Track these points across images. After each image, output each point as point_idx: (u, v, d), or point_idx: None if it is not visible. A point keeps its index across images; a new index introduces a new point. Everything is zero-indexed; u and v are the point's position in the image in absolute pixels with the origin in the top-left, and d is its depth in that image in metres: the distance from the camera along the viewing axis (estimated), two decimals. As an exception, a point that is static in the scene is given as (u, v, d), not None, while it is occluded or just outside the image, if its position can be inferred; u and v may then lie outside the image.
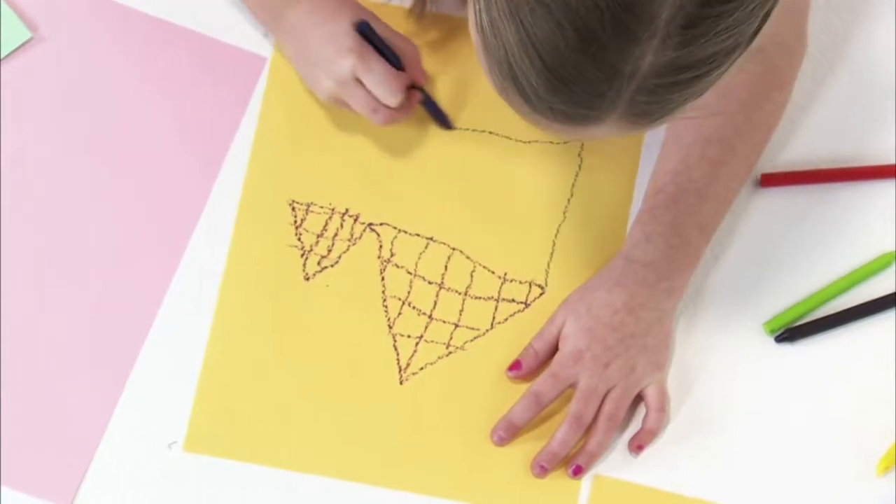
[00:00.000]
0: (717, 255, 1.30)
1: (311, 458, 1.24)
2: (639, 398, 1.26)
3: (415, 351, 1.27)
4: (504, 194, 1.31)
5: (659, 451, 1.26)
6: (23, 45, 1.33)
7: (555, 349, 1.26)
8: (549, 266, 1.30)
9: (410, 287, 1.29)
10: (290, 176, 1.31)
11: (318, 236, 1.30)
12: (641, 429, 1.25)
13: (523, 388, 1.25)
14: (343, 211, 1.31)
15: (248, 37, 1.34)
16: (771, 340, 1.29)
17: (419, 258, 1.30)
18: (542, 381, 1.25)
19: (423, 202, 1.31)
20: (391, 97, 1.25)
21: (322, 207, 1.31)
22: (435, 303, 1.29)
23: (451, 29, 1.34)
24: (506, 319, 1.29)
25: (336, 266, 1.29)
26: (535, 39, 0.89)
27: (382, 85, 1.24)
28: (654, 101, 0.92)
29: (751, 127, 1.28)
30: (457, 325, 1.28)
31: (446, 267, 1.30)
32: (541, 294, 1.30)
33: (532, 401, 1.24)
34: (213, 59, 1.34)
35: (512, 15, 0.89)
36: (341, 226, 1.30)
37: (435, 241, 1.30)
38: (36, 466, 1.23)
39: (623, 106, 0.92)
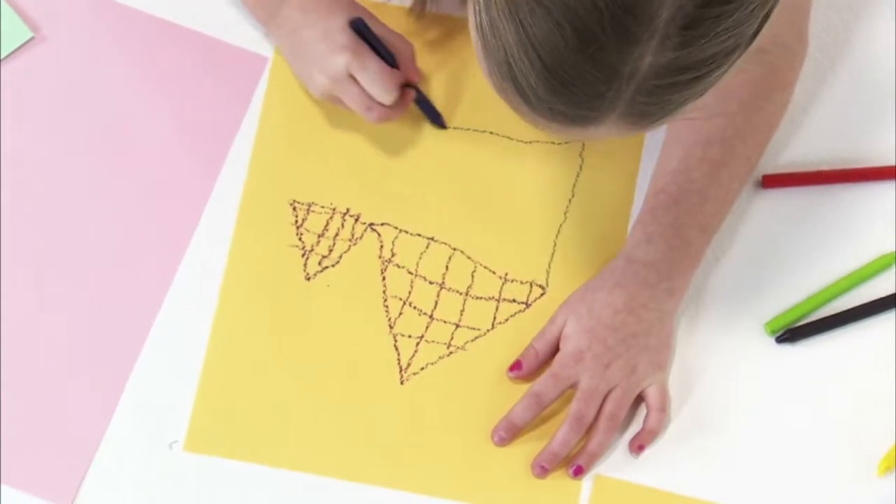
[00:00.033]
0: (718, 256, 1.30)
1: (312, 458, 1.24)
2: (640, 398, 1.26)
3: (415, 351, 1.27)
4: (505, 194, 1.31)
5: (660, 451, 1.26)
6: (24, 44, 1.33)
7: (556, 349, 1.26)
8: (549, 266, 1.30)
9: (411, 287, 1.29)
10: (291, 176, 1.31)
11: (319, 236, 1.30)
12: (642, 429, 1.25)
13: (524, 388, 1.25)
14: (344, 211, 1.31)
15: (249, 37, 1.34)
16: (772, 341, 1.29)
17: (420, 258, 1.30)
18: (543, 382, 1.24)
19: (424, 202, 1.31)
20: (385, 95, 1.25)
21: (323, 207, 1.31)
22: (436, 303, 1.29)
23: (450, 28, 1.34)
24: (507, 320, 1.29)
25: (337, 266, 1.29)
26: (534, 40, 0.89)
27: (377, 82, 1.24)
28: (653, 102, 0.92)
29: (752, 127, 1.28)
30: (457, 326, 1.28)
31: (447, 267, 1.30)
32: (542, 294, 1.30)
33: (533, 401, 1.24)
34: (214, 59, 1.34)
35: (511, 15, 0.89)
36: (342, 226, 1.30)
37: (436, 242, 1.30)
38: (36, 466, 1.23)
39: (622, 107, 0.92)
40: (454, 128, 1.33)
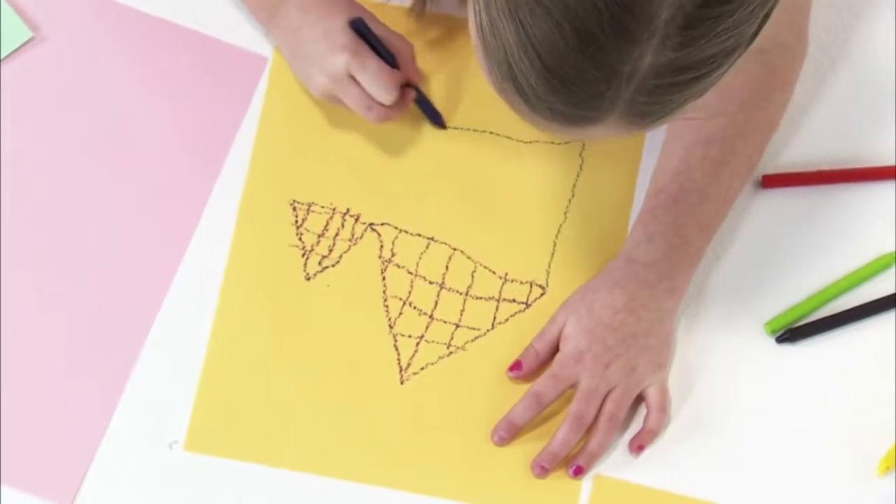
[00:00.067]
0: (718, 256, 1.30)
1: (312, 458, 1.24)
2: (640, 398, 1.26)
3: (415, 351, 1.27)
4: (505, 194, 1.31)
5: (660, 451, 1.26)
6: (24, 44, 1.33)
7: (556, 349, 1.26)
8: (549, 266, 1.30)
9: (411, 287, 1.29)
10: (292, 176, 1.31)
11: (319, 236, 1.30)
12: (642, 429, 1.25)
13: (524, 388, 1.25)
14: (344, 211, 1.31)
15: (250, 36, 1.34)
16: (772, 341, 1.29)
17: (420, 258, 1.30)
18: (543, 382, 1.24)
19: (425, 202, 1.31)
20: (385, 95, 1.25)
21: (323, 207, 1.31)
22: (436, 303, 1.29)
23: (450, 28, 1.34)
24: (507, 320, 1.29)
25: (337, 266, 1.29)
26: (534, 40, 0.89)
27: (377, 82, 1.24)
28: (653, 102, 0.92)
29: (752, 127, 1.28)
30: (457, 326, 1.28)
31: (447, 267, 1.30)
32: (542, 294, 1.30)
33: (533, 401, 1.24)
34: (214, 59, 1.34)
35: (511, 15, 0.89)
36: (342, 226, 1.30)
37: (436, 242, 1.30)
38: (37, 466, 1.23)
39: (622, 107, 0.92)
40: (454, 128, 1.33)
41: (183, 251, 1.29)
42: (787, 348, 1.29)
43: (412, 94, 1.30)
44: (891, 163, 1.33)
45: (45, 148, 1.31)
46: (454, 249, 1.30)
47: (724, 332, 1.29)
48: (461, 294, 1.29)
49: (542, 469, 1.23)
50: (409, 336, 1.28)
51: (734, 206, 1.29)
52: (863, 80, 1.35)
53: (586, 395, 1.24)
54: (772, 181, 1.32)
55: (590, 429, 1.24)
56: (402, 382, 1.27)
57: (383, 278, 1.29)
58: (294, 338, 1.27)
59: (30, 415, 1.24)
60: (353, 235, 1.30)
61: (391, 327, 1.28)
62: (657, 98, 0.92)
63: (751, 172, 1.29)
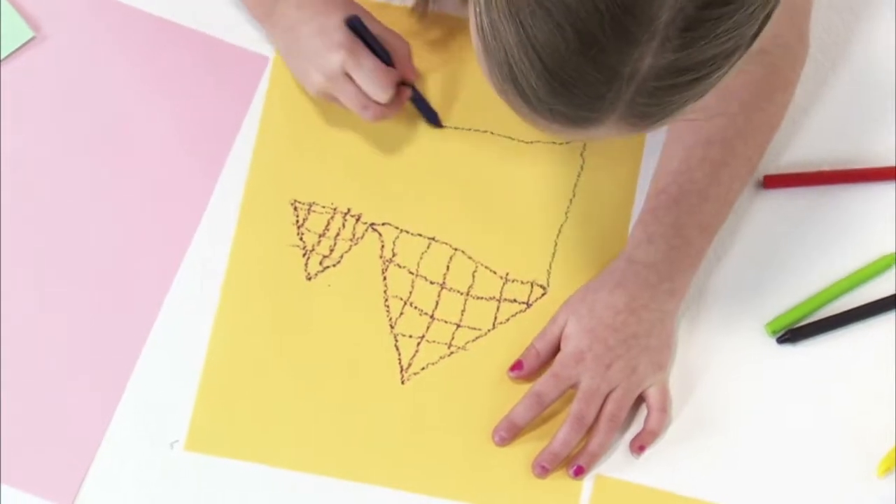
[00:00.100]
0: (719, 256, 1.30)
1: (313, 458, 1.24)
2: (640, 399, 1.26)
3: (416, 351, 1.27)
4: (506, 194, 1.31)
5: (660, 451, 1.26)
6: (25, 44, 1.33)
7: (556, 349, 1.26)
8: (550, 266, 1.30)
9: (412, 287, 1.29)
10: (293, 175, 1.31)
11: (320, 236, 1.30)
12: (643, 429, 1.25)
13: (525, 388, 1.25)
14: (345, 211, 1.31)
15: (251, 36, 1.34)
16: (773, 341, 1.29)
17: (421, 258, 1.30)
18: (544, 382, 1.24)
19: (425, 202, 1.31)
20: (381, 93, 1.25)
21: (324, 207, 1.31)
22: (437, 303, 1.29)
23: (452, 28, 1.34)
24: (507, 320, 1.29)
25: (338, 266, 1.29)
26: (535, 41, 0.89)
27: (372, 81, 1.24)
28: (653, 104, 0.92)
29: (752, 128, 1.28)
30: (458, 326, 1.28)
31: (448, 267, 1.30)
32: (542, 294, 1.30)
33: (534, 401, 1.24)
34: (215, 59, 1.34)
35: (512, 17, 0.89)
36: (343, 226, 1.30)
37: (437, 242, 1.30)
38: (37, 465, 1.23)
39: (622, 108, 0.92)
40: (455, 128, 1.33)
41: (184, 251, 1.29)
42: (788, 349, 1.29)
43: (408, 92, 1.30)
44: (891, 163, 1.33)
45: (46, 147, 1.31)
46: (455, 249, 1.30)
47: (724, 332, 1.29)
48: (462, 294, 1.29)
49: (543, 469, 1.24)
50: (410, 336, 1.28)
51: (735, 207, 1.29)
52: (863, 80, 1.35)
53: (587, 395, 1.24)
54: (773, 181, 1.32)
55: (590, 429, 1.24)
56: (402, 382, 1.27)
57: (384, 278, 1.29)
58: (295, 338, 1.27)
59: (30, 414, 1.24)
60: (354, 235, 1.30)
61: (392, 327, 1.28)
62: (657, 99, 0.92)
63: (751, 173, 1.29)
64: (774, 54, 1.27)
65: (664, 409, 1.25)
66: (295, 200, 1.31)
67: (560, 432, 1.24)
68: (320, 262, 1.29)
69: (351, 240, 1.30)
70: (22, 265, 1.27)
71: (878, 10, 1.37)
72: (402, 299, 1.29)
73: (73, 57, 1.33)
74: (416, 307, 1.28)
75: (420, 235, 1.30)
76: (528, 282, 1.30)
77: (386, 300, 1.29)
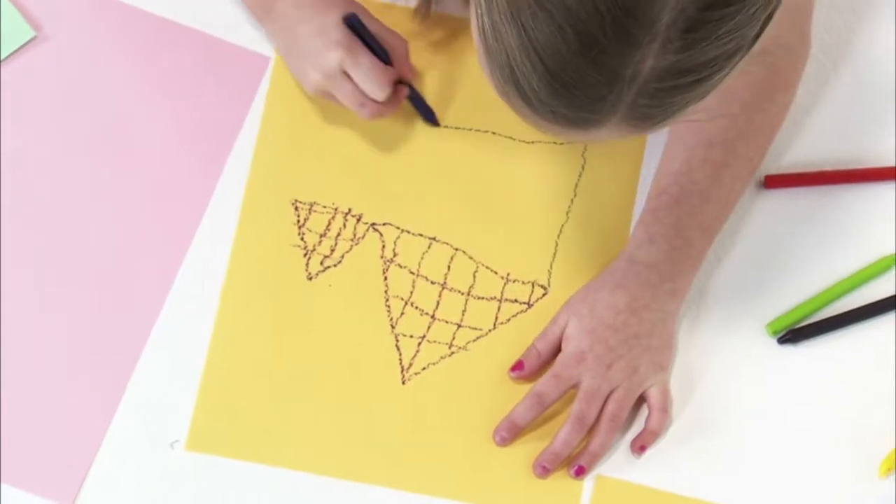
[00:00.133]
0: (720, 257, 1.30)
1: (314, 458, 1.24)
2: (641, 399, 1.26)
3: (417, 351, 1.27)
4: (507, 194, 1.31)
5: (661, 451, 1.26)
6: (26, 43, 1.33)
7: (557, 350, 1.26)
8: (551, 266, 1.30)
9: (413, 287, 1.29)
10: (293, 175, 1.31)
11: (320, 236, 1.30)
12: (644, 429, 1.25)
13: (526, 388, 1.25)
14: (346, 211, 1.31)
15: (252, 36, 1.34)
16: (773, 342, 1.29)
17: (422, 258, 1.30)
18: (545, 382, 1.25)
19: (426, 202, 1.31)
20: (378, 91, 1.25)
21: (325, 207, 1.31)
22: (437, 303, 1.29)
23: (455, 29, 1.34)
24: (508, 320, 1.29)
25: (339, 266, 1.29)
26: (536, 43, 0.89)
27: (369, 79, 1.24)
28: (655, 105, 0.92)
29: (754, 129, 1.28)
30: (459, 326, 1.28)
31: (449, 267, 1.30)
32: (543, 294, 1.29)
33: (535, 401, 1.24)
34: (216, 59, 1.34)
35: (513, 19, 0.89)
36: (344, 225, 1.30)
37: (438, 242, 1.30)
38: (38, 465, 1.23)
39: (624, 110, 0.92)
40: (456, 128, 1.33)
41: (185, 251, 1.29)
42: (789, 349, 1.29)
43: (405, 91, 1.30)
44: (892, 163, 1.33)
45: (47, 147, 1.31)
46: (456, 249, 1.30)
47: (725, 332, 1.29)
48: (463, 294, 1.29)
49: (544, 469, 1.24)
50: (411, 336, 1.28)
51: (736, 207, 1.29)
52: (865, 81, 1.35)
53: (588, 395, 1.24)
54: (774, 182, 1.32)
55: (591, 429, 1.24)
56: (403, 382, 1.27)
57: (385, 278, 1.29)
58: (296, 337, 1.27)
59: (31, 414, 1.24)
60: (354, 235, 1.30)
61: (393, 327, 1.28)
62: (659, 101, 0.92)
63: (752, 174, 1.29)
64: (776, 55, 1.27)
65: (665, 409, 1.25)
66: (296, 200, 1.31)
67: (561, 432, 1.24)
68: (321, 262, 1.29)
69: (352, 240, 1.30)
70: (22, 265, 1.27)
71: (879, 10, 1.37)
72: (402, 299, 1.29)
73: (74, 56, 1.33)
74: (416, 307, 1.28)
75: (421, 235, 1.30)
76: (529, 282, 1.30)
77: (387, 300, 1.29)
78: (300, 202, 1.30)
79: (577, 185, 1.32)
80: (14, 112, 1.31)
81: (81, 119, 1.31)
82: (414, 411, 1.26)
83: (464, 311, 1.29)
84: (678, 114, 0.94)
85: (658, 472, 1.25)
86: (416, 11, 1.31)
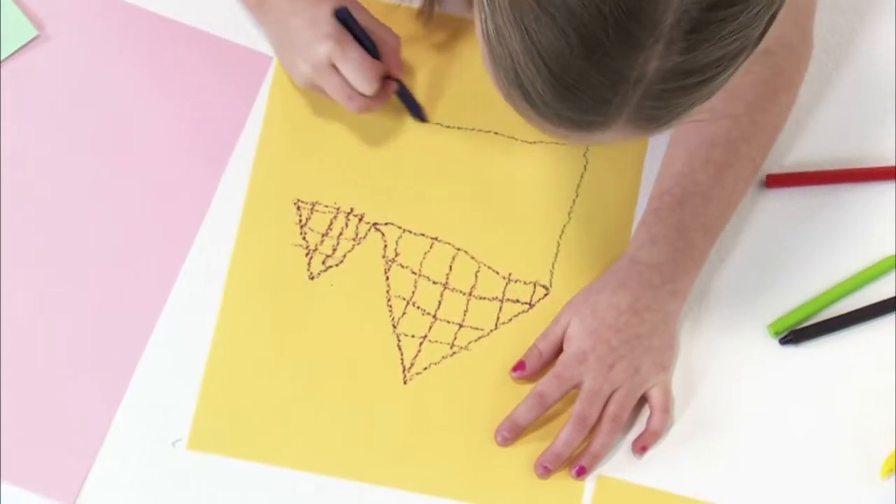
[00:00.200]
0: (722, 257, 1.30)
1: (315, 458, 1.24)
2: (643, 399, 1.26)
3: (419, 351, 1.27)
4: (509, 195, 1.31)
5: (663, 452, 1.26)
6: (28, 43, 1.33)
7: (559, 350, 1.26)
8: (553, 267, 1.30)
9: (415, 287, 1.29)
10: (296, 175, 1.31)
11: (322, 236, 1.30)
12: (645, 430, 1.25)
13: (527, 388, 1.25)
14: (348, 210, 1.31)
15: (254, 35, 1.34)
16: (775, 342, 1.29)
17: (424, 258, 1.30)
18: (547, 382, 1.25)
19: (428, 202, 1.31)
20: (366, 85, 1.24)
21: (327, 207, 1.31)
22: (439, 303, 1.29)
23: (458, 30, 1.34)
24: (510, 320, 1.29)
25: (341, 265, 1.29)
26: (540, 47, 0.89)
27: (357, 72, 1.24)
28: (660, 107, 0.92)
29: (756, 129, 1.28)
30: (461, 326, 1.28)
31: (451, 267, 1.30)
32: (545, 295, 1.29)
33: (536, 401, 1.24)
34: (218, 58, 1.34)
35: (517, 22, 0.89)
36: (346, 225, 1.30)
37: (440, 242, 1.30)
38: (40, 464, 1.23)
39: (629, 112, 0.92)
40: (458, 128, 1.33)
41: (186, 250, 1.29)
42: (791, 350, 1.29)
43: (393, 85, 1.29)
44: (894, 163, 1.33)
45: (49, 146, 1.30)
46: (458, 249, 1.30)
47: (727, 333, 1.29)
48: (465, 294, 1.29)
49: (545, 469, 1.24)
50: (413, 336, 1.28)
51: (738, 207, 1.29)
52: (867, 81, 1.35)
53: (590, 395, 1.24)
54: (776, 181, 1.32)
55: (593, 429, 1.24)
56: (405, 382, 1.27)
57: (387, 278, 1.29)
58: (297, 337, 1.27)
59: (33, 413, 1.24)
60: (356, 235, 1.30)
61: (394, 327, 1.28)
62: (664, 102, 0.92)
63: (755, 175, 1.29)
64: (779, 55, 1.27)
65: (666, 409, 1.25)
66: (298, 200, 1.31)
67: (562, 433, 1.24)
68: (323, 261, 1.29)
69: (354, 239, 1.30)
70: (24, 265, 1.27)
71: (881, 10, 1.37)
72: (404, 299, 1.29)
73: (77, 56, 1.33)
74: (418, 307, 1.28)
75: (423, 235, 1.30)
76: (530, 282, 1.30)
77: (388, 300, 1.29)
78: (302, 202, 1.30)
79: (579, 186, 1.32)
80: (16, 111, 1.31)
81: (83, 118, 1.31)
82: (415, 411, 1.26)
83: (465, 311, 1.29)
84: (683, 115, 0.94)
85: (659, 473, 1.25)
86: (420, 12, 1.31)
